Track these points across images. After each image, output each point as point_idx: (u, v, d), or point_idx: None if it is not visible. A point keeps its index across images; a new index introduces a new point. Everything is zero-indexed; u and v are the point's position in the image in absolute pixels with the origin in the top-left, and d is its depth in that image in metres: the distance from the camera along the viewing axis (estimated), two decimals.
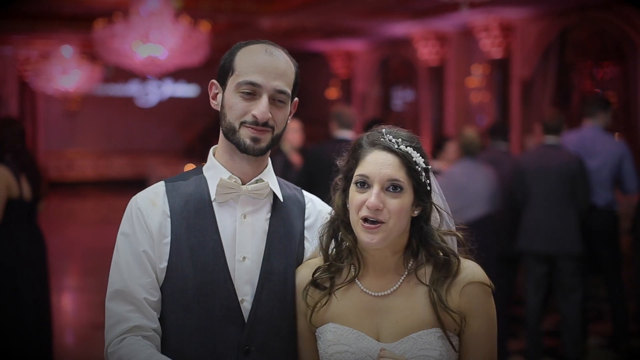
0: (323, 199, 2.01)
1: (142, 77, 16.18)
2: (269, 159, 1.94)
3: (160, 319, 1.81)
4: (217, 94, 1.90)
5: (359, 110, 13.51)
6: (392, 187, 1.72)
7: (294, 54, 1.94)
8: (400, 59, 13.79)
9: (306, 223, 1.94)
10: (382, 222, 1.71)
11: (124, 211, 1.88)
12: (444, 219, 1.83)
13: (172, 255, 1.81)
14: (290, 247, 1.89)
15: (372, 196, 1.70)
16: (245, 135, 1.82)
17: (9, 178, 4.70)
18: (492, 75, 10.79)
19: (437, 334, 1.72)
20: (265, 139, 1.83)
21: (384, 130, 1.77)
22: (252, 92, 1.81)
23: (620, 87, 9.28)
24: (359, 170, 1.75)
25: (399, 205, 1.71)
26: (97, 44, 10.24)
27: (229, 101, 1.84)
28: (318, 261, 1.86)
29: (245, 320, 1.81)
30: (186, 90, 18.58)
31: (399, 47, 13.19)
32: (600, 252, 5.72)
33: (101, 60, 11.96)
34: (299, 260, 1.90)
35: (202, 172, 1.91)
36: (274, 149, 1.93)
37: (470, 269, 1.77)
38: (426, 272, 1.77)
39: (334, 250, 1.83)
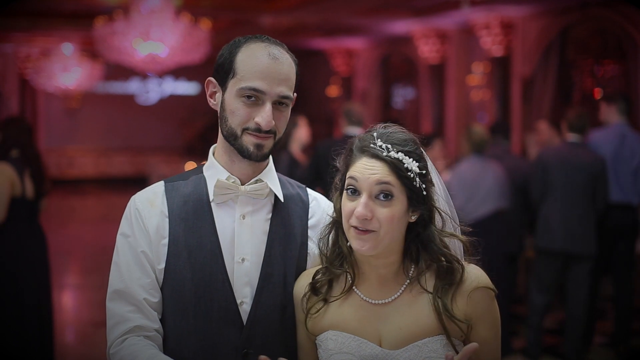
0: (328, 195, 1.96)
1: (143, 75, 16.16)
2: (271, 157, 1.90)
3: (160, 321, 1.80)
4: (215, 92, 1.85)
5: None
6: (383, 195, 1.66)
7: (294, 51, 1.91)
8: (400, 57, 13.77)
9: (310, 222, 1.90)
10: (372, 231, 1.66)
11: (124, 209, 1.86)
12: (446, 224, 1.77)
13: (170, 256, 1.80)
14: (292, 249, 1.85)
15: (359, 206, 1.66)
16: (249, 142, 1.78)
17: (13, 176, 4.70)
18: (493, 73, 10.76)
19: (442, 341, 1.69)
20: (268, 144, 1.80)
21: (375, 133, 1.72)
22: (254, 97, 1.77)
23: (621, 85, 9.26)
24: (349, 177, 1.70)
25: (389, 214, 1.66)
26: (97, 42, 10.22)
27: (230, 105, 1.79)
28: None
29: (244, 323, 1.78)
30: (187, 88, 18.54)
31: (400, 44, 13.16)
32: (616, 248, 5.62)
33: (102, 57, 11.95)
34: (301, 261, 1.86)
35: (202, 172, 1.88)
36: (279, 147, 1.90)
37: (474, 274, 1.73)
38: (428, 279, 1.73)
39: (333, 253, 1.79)
